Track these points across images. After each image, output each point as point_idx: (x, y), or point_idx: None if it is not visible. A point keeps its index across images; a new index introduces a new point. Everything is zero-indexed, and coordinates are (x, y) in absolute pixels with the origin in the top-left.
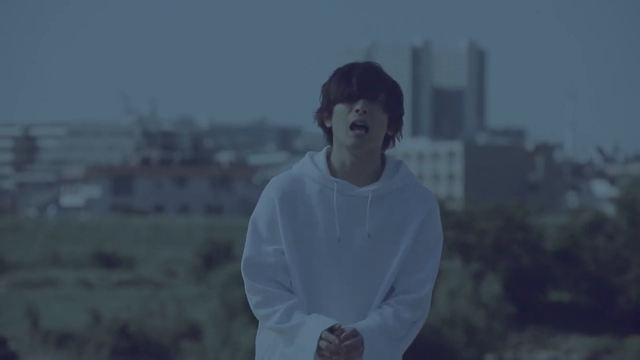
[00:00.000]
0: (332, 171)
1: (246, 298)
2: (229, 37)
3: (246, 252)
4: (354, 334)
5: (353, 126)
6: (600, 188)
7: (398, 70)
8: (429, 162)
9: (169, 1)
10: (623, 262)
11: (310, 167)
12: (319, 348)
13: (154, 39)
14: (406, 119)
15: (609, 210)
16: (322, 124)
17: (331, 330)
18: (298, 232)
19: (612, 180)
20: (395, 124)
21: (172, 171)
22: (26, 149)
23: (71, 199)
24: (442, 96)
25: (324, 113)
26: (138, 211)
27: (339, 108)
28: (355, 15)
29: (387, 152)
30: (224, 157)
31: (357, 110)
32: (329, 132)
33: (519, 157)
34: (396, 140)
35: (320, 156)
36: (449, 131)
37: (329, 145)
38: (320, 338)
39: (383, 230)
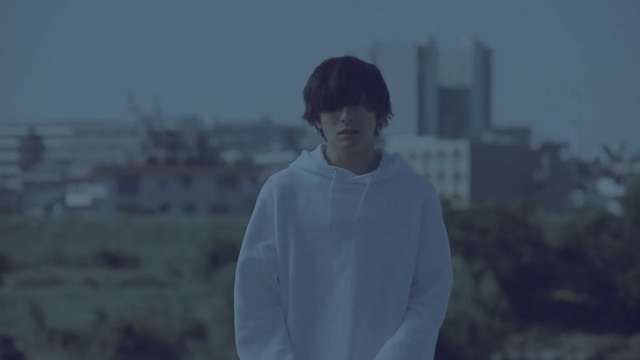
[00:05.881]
0: (330, 164)
1: None
2: (234, 35)
3: (240, 254)
4: None
5: (342, 133)
6: (607, 187)
7: (403, 69)
8: (435, 161)
9: (173, 0)
10: (628, 261)
11: (307, 160)
12: None
13: (159, 37)
14: (412, 117)
15: (615, 209)
16: (313, 124)
17: None
18: (294, 224)
19: (618, 179)
20: (383, 114)
21: (177, 170)
22: (32, 148)
23: (77, 198)
24: (447, 95)
25: (312, 119)
26: (143, 210)
27: (324, 117)
28: (360, 14)
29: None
30: (230, 156)
31: (343, 121)
32: (322, 129)
33: (525, 156)
34: (388, 120)
35: (317, 151)
36: (455, 130)
37: (324, 143)
38: None
39: (381, 217)
